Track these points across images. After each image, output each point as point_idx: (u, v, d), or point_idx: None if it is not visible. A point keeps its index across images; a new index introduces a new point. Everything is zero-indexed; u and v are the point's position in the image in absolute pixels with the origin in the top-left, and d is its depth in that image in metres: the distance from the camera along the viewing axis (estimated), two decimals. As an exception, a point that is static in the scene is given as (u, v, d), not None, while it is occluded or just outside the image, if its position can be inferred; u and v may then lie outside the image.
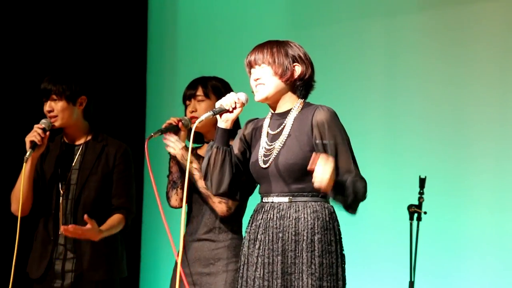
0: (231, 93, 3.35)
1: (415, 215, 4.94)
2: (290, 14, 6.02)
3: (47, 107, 4.10)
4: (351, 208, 3.20)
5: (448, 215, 5.28)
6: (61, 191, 4.09)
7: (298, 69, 3.30)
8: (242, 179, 3.36)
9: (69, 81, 4.11)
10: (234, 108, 3.30)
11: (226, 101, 3.29)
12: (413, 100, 5.50)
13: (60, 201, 4.08)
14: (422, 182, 4.92)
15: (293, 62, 3.28)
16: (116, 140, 4.21)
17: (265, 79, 3.28)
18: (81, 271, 4.04)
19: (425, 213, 4.93)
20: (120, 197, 4.11)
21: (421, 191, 4.93)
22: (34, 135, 3.98)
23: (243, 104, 3.31)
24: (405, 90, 5.53)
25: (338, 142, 3.21)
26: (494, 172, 5.21)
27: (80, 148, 4.16)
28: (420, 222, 4.95)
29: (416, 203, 4.94)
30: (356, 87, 5.65)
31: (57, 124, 4.10)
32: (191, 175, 3.70)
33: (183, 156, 3.71)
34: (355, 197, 3.17)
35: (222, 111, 3.29)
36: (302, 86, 3.32)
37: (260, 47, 3.32)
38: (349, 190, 3.14)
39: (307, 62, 3.31)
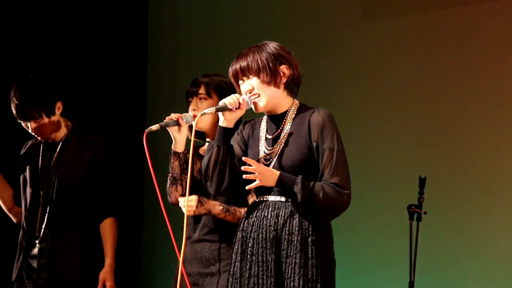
0: (236, 93, 3.31)
1: (415, 215, 4.94)
2: (289, 15, 6.02)
3: (31, 129, 4.05)
4: (310, 211, 3.17)
5: (448, 215, 5.29)
6: (41, 192, 4.08)
7: (286, 70, 3.27)
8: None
9: (42, 100, 4.01)
10: (238, 108, 3.26)
11: (230, 100, 3.25)
12: (413, 100, 5.50)
13: (40, 202, 4.07)
14: (422, 182, 4.91)
15: (279, 64, 3.26)
16: (94, 135, 4.18)
17: (257, 89, 3.26)
18: (54, 269, 4.02)
19: (425, 213, 4.92)
20: (106, 200, 4.09)
21: (421, 191, 4.93)
22: None
23: (246, 105, 3.27)
24: (404, 89, 5.54)
25: (326, 147, 3.19)
26: (494, 172, 5.22)
27: (59, 146, 4.12)
28: (420, 222, 4.94)
29: (416, 203, 4.94)
30: (355, 86, 5.65)
31: (45, 137, 4.10)
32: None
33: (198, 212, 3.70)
34: (310, 201, 3.15)
35: (225, 109, 3.26)
36: (294, 85, 3.31)
37: (242, 58, 3.28)
38: (304, 191, 3.13)
39: (291, 59, 3.30)
